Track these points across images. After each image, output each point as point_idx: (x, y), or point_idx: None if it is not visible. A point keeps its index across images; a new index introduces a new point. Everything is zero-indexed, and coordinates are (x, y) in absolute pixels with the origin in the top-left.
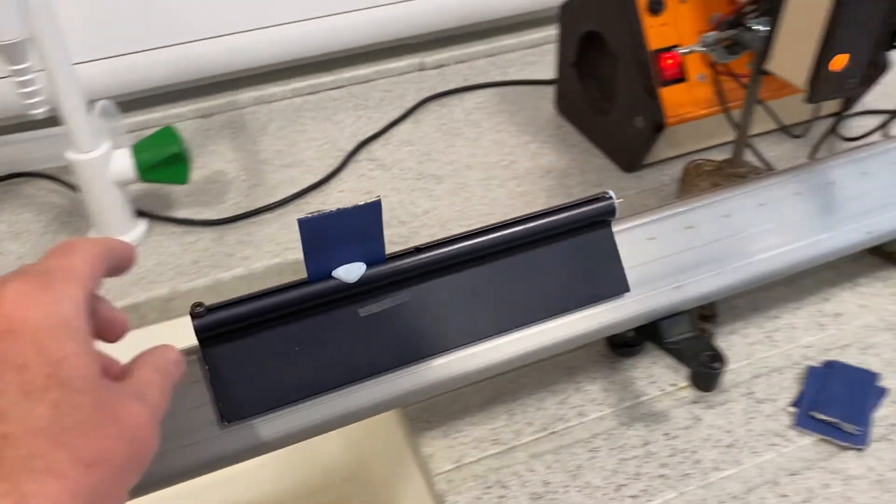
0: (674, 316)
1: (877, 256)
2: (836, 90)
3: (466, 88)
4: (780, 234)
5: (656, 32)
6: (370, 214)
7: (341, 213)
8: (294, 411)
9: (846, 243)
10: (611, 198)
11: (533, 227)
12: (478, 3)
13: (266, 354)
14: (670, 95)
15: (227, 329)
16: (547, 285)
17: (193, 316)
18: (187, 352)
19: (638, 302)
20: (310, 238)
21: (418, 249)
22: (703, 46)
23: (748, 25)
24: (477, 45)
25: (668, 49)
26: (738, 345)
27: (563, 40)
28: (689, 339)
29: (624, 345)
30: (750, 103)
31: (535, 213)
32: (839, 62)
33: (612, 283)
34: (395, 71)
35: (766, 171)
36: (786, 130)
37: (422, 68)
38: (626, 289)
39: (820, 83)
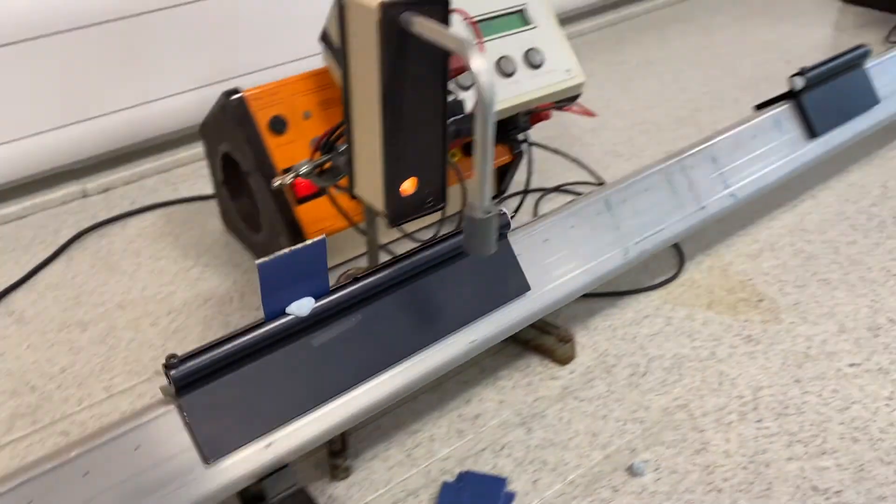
0: (276, 471)
1: (516, 345)
2: (414, 211)
3: (130, 213)
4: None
5: (282, 151)
6: (316, 251)
7: (293, 253)
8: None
9: (452, 355)
10: (505, 213)
11: (445, 245)
12: (144, 121)
13: (236, 393)
14: (308, 211)
15: (198, 376)
16: (466, 294)
17: (168, 367)
18: (163, 402)
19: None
20: (267, 280)
21: (356, 279)
22: (296, 175)
23: (339, 150)
24: (146, 162)
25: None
26: (378, 471)
27: (209, 159)
28: (290, 496)
29: (253, 499)
30: (370, 218)
31: (447, 234)
32: (409, 186)
33: (516, 286)
34: (52, 202)
35: None
36: (410, 237)
37: (84, 195)
38: (528, 288)
39: (395, 207)
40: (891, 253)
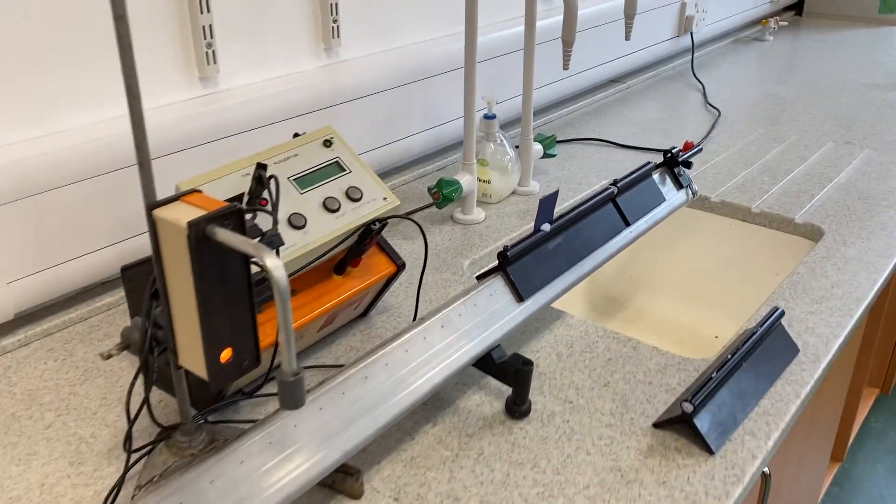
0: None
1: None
2: (234, 376)
3: None
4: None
5: None
6: (553, 198)
7: (549, 196)
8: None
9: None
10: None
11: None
12: None
13: (528, 265)
14: None
15: (512, 257)
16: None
17: (502, 254)
18: (486, 274)
19: None
20: (539, 213)
21: (561, 216)
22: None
23: (157, 322)
24: None
25: None
26: None
27: None
28: None
29: None
30: (179, 388)
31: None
32: (226, 355)
33: None
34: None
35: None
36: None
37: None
38: None
39: (216, 374)
40: None
